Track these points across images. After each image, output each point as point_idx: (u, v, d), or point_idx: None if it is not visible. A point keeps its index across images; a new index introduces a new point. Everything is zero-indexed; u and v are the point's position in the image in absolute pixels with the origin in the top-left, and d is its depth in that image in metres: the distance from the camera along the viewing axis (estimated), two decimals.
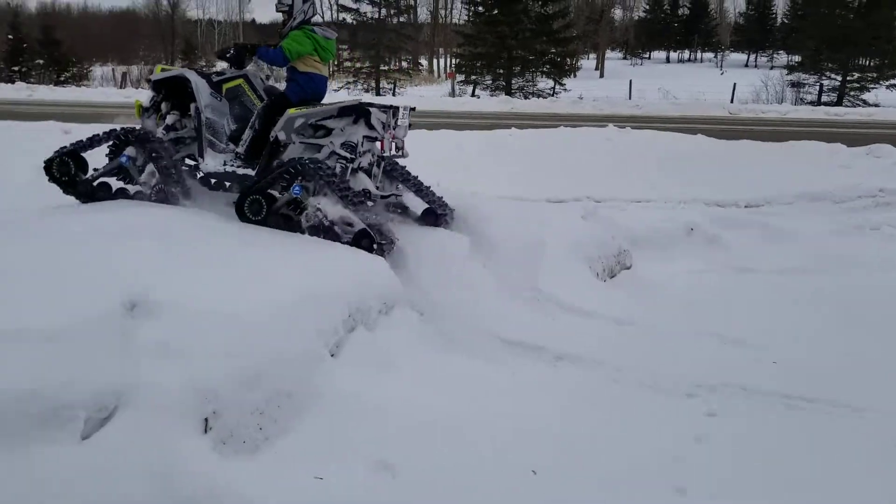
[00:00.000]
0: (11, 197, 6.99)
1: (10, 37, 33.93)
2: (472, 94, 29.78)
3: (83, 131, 11.31)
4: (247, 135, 5.48)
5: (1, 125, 11.92)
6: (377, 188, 5.63)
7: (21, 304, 3.18)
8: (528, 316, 5.36)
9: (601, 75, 50.06)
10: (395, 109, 5.44)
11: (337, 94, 29.61)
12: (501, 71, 30.83)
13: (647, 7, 66.74)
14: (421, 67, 47.60)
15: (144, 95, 5.93)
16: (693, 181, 10.48)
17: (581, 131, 12.99)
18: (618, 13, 64.09)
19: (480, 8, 32.14)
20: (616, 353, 4.88)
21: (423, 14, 54.35)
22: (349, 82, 33.60)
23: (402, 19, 35.60)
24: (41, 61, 32.89)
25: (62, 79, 31.90)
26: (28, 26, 36.04)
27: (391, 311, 4.60)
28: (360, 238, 4.93)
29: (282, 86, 5.77)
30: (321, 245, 4.92)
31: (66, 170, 5.55)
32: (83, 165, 5.62)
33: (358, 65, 34.12)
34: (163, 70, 5.81)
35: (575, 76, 42.62)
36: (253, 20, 60.53)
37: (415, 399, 3.84)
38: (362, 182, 5.48)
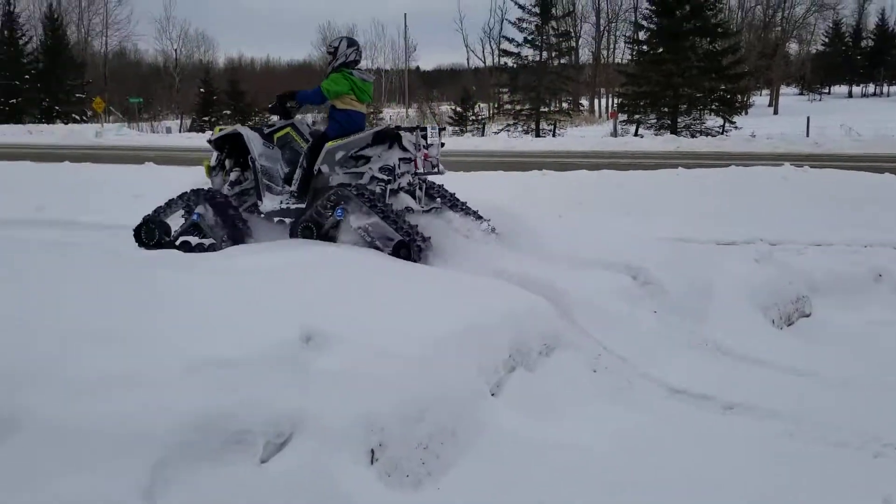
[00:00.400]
0: None
1: (202, 90, 37.69)
2: (636, 134, 29.25)
3: None
4: (297, 174, 5.90)
5: (194, 170, 13.18)
6: (420, 205, 6.01)
7: (209, 334, 3.43)
8: (697, 363, 5.10)
9: (775, 112, 47.52)
10: (424, 130, 5.73)
11: (497, 136, 30.19)
12: (666, 109, 30.03)
13: (826, 40, 62.84)
14: (582, 108, 47.46)
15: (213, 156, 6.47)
16: (880, 223, 9.61)
17: (754, 170, 12.37)
18: (793, 47, 60.75)
19: (645, 47, 31.66)
20: (794, 405, 4.51)
21: (585, 55, 54.34)
22: (509, 125, 34.10)
23: (563, 61, 35.73)
24: (228, 112, 36.17)
25: None
26: (217, 80, 39.81)
27: (552, 352, 4.55)
28: (398, 249, 5.34)
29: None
30: (481, 281, 5.00)
31: (151, 235, 6.20)
32: (166, 228, 6.29)
33: (518, 107, 34.57)
34: (220, 130, 6.43)
35: (746, 113, 40.80)
36: (417, 67, 63.11)
37: (576, 445, 3.75)
38: (403, 201, 5.89)
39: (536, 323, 4.58)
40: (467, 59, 56.78)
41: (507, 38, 35.74)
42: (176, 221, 6.38)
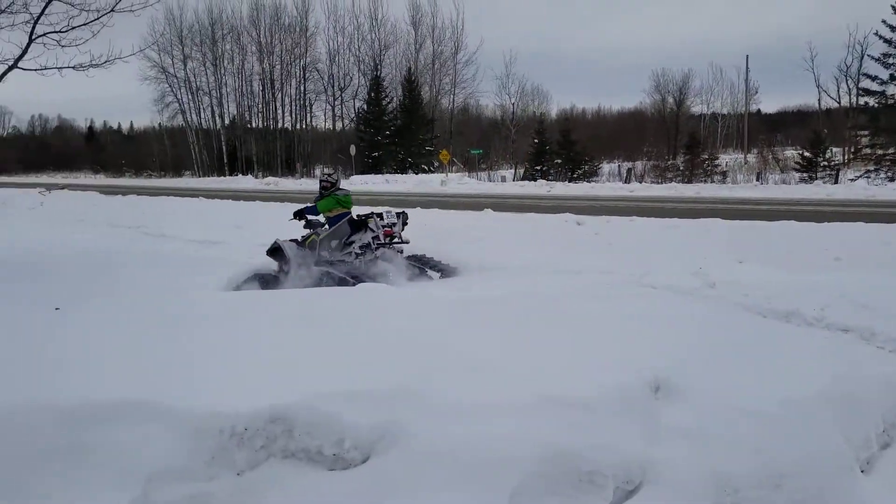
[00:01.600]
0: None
1: (535, 141, 39.61)
2: None
3: (593, 224, 12.44)
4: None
5: (527, 217, 13.83)
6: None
7: (559, 371, 3.56)
8: None
9: None
10: (381, 215, 8.41)
11: (854, 183, 26.95)
12: None
13: None
14: None
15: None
16: None
17: None
18: None
19: None
20: None
21: None
22: (868, 170, 30.31)
23: None
24: (559, 160, 37.45)
25: (575, 175, 35.79)
26: (549, 131, 41.53)
27: None
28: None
29: None
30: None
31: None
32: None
33: (880, 151, 30.61)
34: (271, 247, 8.92)
35: None
36: (758, 110, 59.42)
37: None
38: (382, 266, 8.08)
39: None
40: (818, 100, 52.10)
41: (869, 76, 32.04)
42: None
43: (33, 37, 9.13)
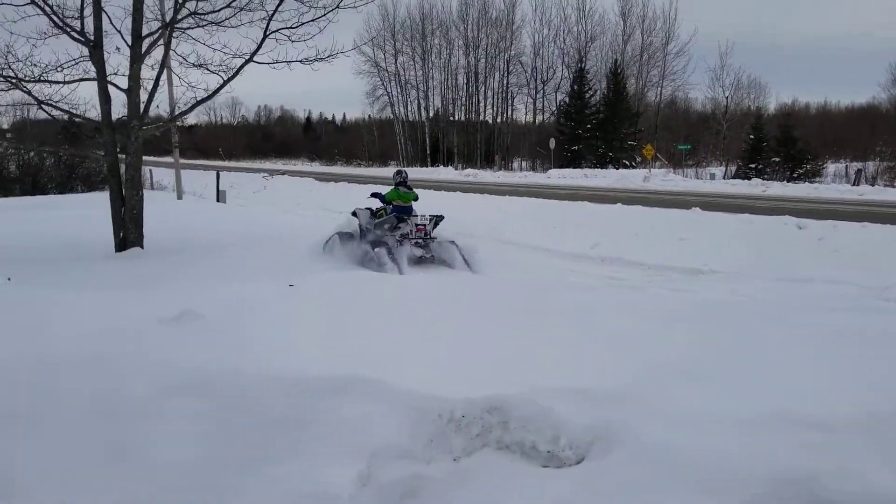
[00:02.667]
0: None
1: (750, 137, 37.00)
2: None
3: (816, 229, 11.38)
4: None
5: (741, 218, 12.94)
6: (423, 251, 10.30)
7: (797, 388, 3.27)
8: None
9: None
10: (416, 216, 10.50)
11: None
12: None
13: None
14: None
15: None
16: None
17: None
18: None
19: None
20: None
21: None
22: None
23: None
24: (777, 158, 34.71)
25: (795, 175, 33.00)
26: (767, 127, 38.57)
27: None
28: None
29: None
30: None
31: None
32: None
33: None
34: (352, 211, 11.16)
35: None
36: None
37: None
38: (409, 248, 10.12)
39: None
40: None
41: None
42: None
43: (267, 33, 9.90)
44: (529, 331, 3.82)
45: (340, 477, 2.68)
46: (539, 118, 53.16)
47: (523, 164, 50.25)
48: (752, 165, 34.90)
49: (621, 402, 3.14)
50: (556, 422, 3.00)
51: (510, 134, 52.95)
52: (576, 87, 45.42)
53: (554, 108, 51.50)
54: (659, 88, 48.18)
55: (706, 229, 12.63)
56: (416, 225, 10.38)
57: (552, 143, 39.76)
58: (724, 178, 33.45)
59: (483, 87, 53.34)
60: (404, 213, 10.59)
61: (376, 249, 9.92)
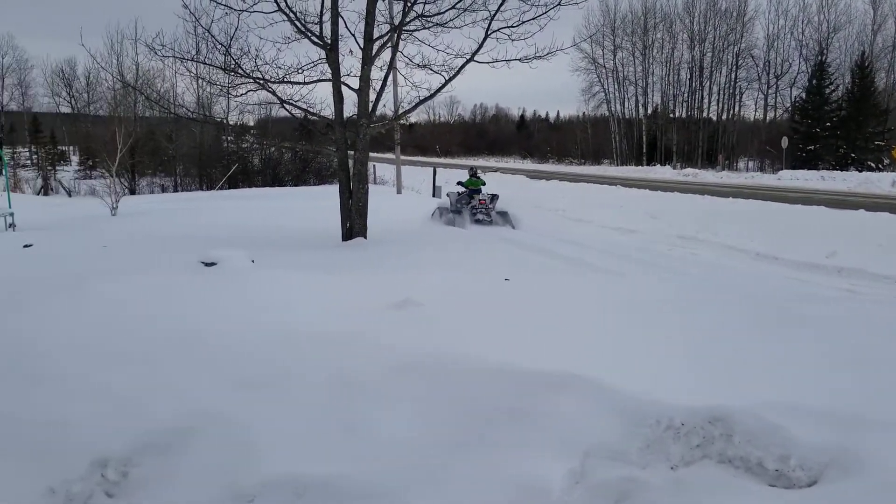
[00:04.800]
0: None
1: None
2: None
3: None
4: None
5: None
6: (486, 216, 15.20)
7: None
8: None
9: None
10: (480, 192, 15.65)
11: None
12: None
13: None
14: None
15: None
16: None
17: None
18: None
19: None
20: None
21: None
22: None
23: None
24: None
25: None
26: None
27: None
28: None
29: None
30: None
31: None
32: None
33: None
34: (447, 192, 17.06)
35: None
36: None
37: None
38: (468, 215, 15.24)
39: None
40: None
41: None
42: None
43: (489, 32, 10.10)
44: (762, 340, 3.55)
45: (552, 472, 2.68)
46: (770, 115, 49.44)
47: (750, 164, 47.05)
48: None
49: (861, 425, 2.82)
50: (785, 439, 2.77)
51: (736, 132, 49.75)
52: (815, 81, 41.59)
53: (788, 105, 47.59)
54: None
55: None
56: (479, 198, 15.41)
57: (784, 142, 36.76)
58: None
59: (708, 83, 50.64)
60: (474, 193, 15.75)
61: (453, 214, 15.11)
